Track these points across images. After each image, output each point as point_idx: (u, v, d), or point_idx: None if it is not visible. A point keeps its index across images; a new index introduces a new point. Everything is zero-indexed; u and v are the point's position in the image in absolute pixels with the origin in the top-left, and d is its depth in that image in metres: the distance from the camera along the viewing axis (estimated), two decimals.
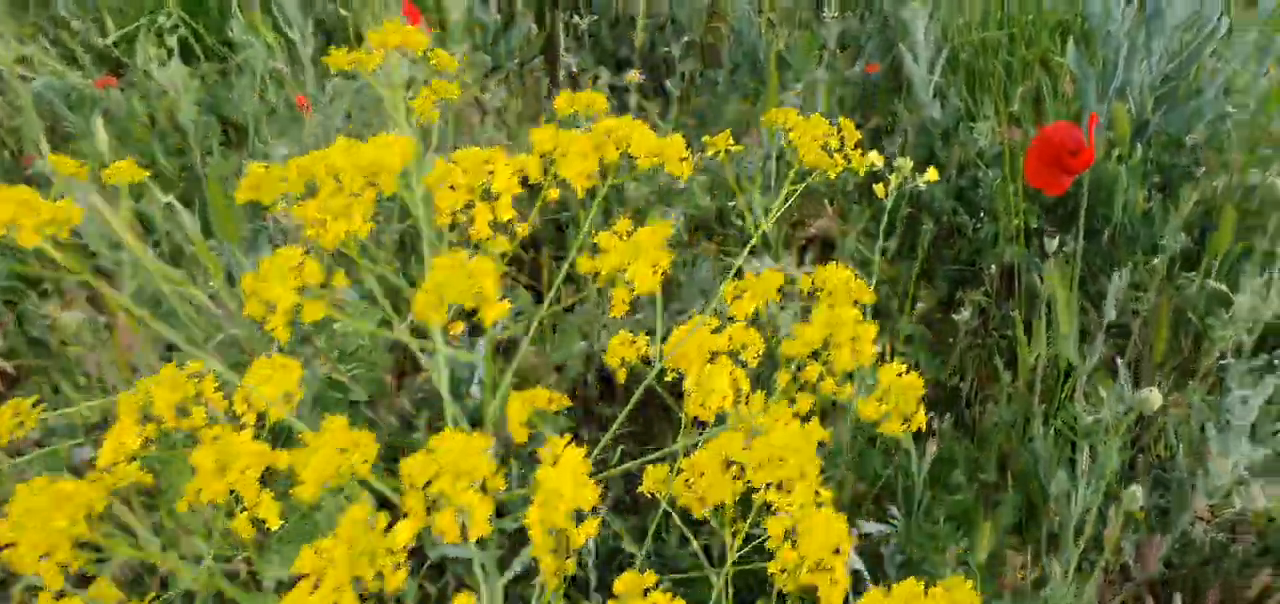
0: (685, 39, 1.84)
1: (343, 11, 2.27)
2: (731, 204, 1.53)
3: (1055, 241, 1.04)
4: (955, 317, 1.45)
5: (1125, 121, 1.43)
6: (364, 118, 1.87)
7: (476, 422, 0.64)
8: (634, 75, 1.54)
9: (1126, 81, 1.64)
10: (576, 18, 2.29)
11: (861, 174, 0.64)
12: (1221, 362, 1.01)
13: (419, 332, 0.54)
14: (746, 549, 0.54)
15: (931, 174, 0.89)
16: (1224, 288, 0.98)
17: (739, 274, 1.44)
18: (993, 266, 1.53)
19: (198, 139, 2.14)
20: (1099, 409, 0.91)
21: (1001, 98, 1.65)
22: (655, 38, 2.29)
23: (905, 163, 0.90)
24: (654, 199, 1.55)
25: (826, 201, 1.69)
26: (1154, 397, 0.77)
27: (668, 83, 1.77)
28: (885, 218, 1.08)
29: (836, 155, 0.62)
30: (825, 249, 1.73)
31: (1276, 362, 0.94)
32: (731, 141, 0.66)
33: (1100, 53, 1.64)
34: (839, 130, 0.63)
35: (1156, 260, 1.36)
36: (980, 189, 1.61)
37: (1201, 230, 1.49)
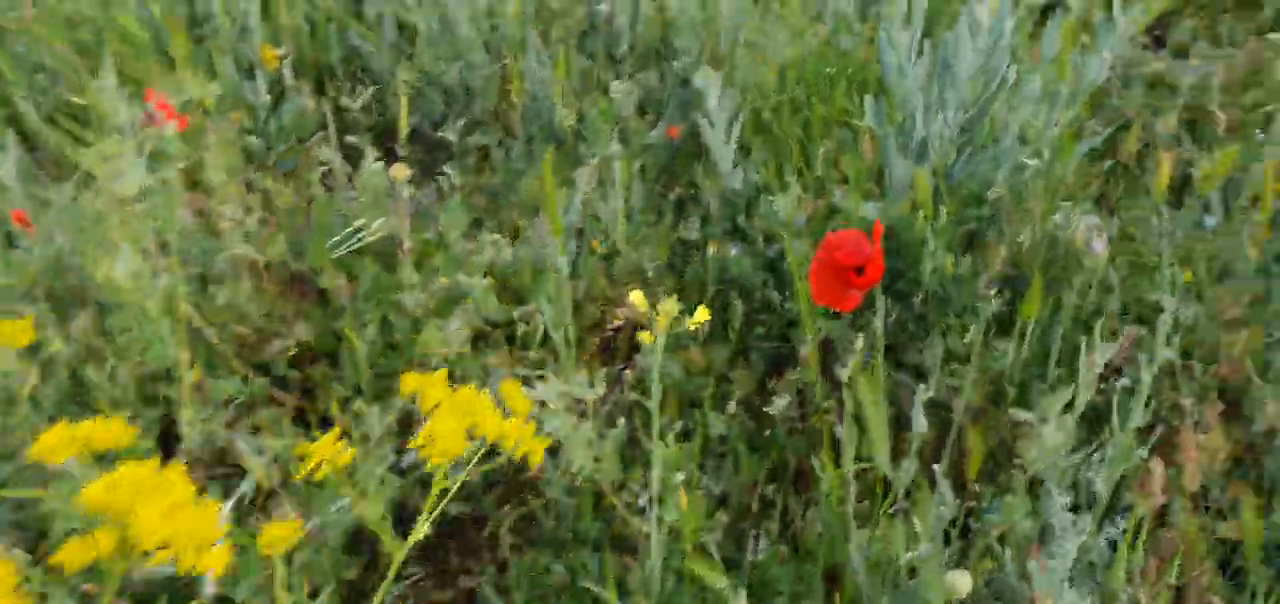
0: (462, 121, 1.68)
1: (76, 99, 1.98)
2: (519, 312, 1.37)
3: (857, 346, 0.93)
4: (769, 410, 1.34)
5: (924, 184, 1.36)
6: (97, 235, 1.61)
7: None
8: (401, 171, 1.36)
9: (926, 136, 1.59)
10: (355, 91, 2.09)
11: (536, 460, 0.48)
12: (1037, 461, 0.93)
13: None
14: None
15: (701, 314, 0.76)
16: (1029, 415, 0.90)
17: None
18: (804, 348, 1.43)
19: None
20: (918, 545, 0.80)
21: (803, 162, 1.57)
22: (449, 108, 2.12)
23: (670, 304, 0.77)
24: (432, 308, 1.37)
25: (630, 283, 1.56)
26: (962, 583, 0.67)
27: (448, 168, 1.60)
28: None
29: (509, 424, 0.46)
30: (636, 334, 1.60)
31: (1091, 467, 0.86)
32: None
33: (898, 110, 1.58)
34: (500, 401, 0.47)
35: (971, 331, 1.29)
36: (787, 261, 1.52)
37: (1012, 293, 1.44)
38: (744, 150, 1.74)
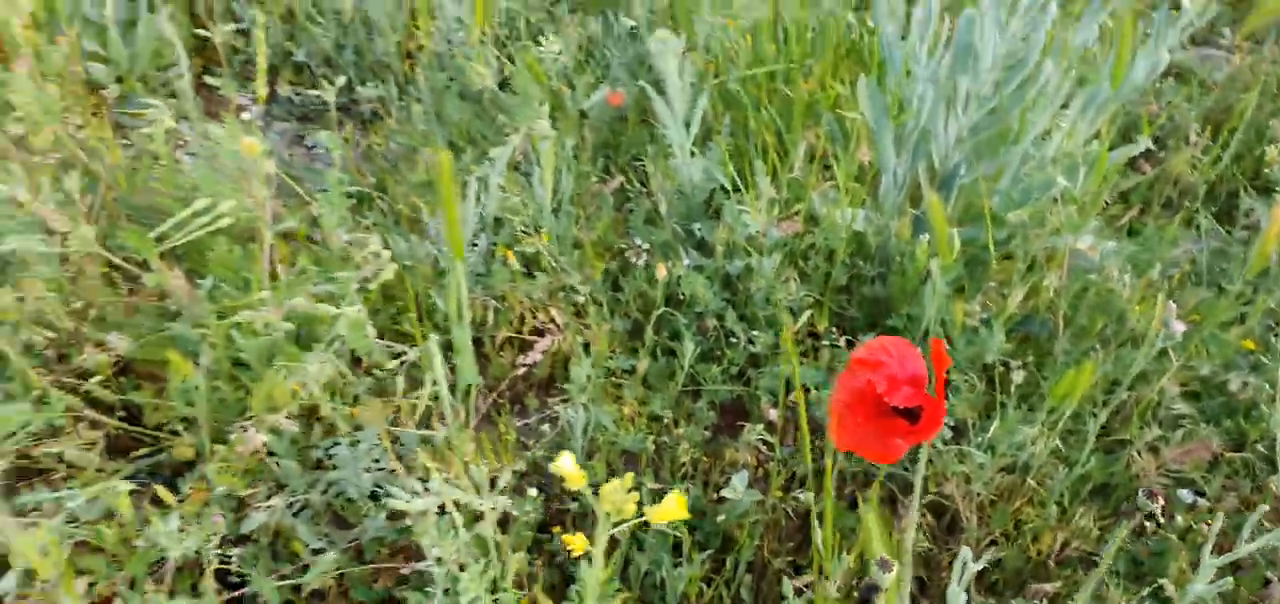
0: (344, 73, 1.31)
1: None
2: (400, 359, 1.04)
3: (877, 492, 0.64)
4: (729, 493, 1.05)
5: (940, 212, 1.06)
6: None
7: None
8: (252, 147, 1.00)
9: (929, 129, 1.28)
10: (233, 15, 1.69)
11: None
12: None
13: None
14: None
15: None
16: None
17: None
18: (768, 401, 1.14)
19: None
20: None
21: (779, 159, 1.25)
22: (342, 44, 1.74)
23: (616, 490, 0.45)
24: (291, 331, 1.03)
25: (554, 303, 1.23)
26: None
27: (323, 136, 1.23)
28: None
29: None
30: (562, 367, 1.28)
31: None
32: None
33: (891, 90, 1.27)
34: None
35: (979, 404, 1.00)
36: (754, 282, 1.21)
37: (1034, 352, 1.16)
38: (705, 133, 1.42)
